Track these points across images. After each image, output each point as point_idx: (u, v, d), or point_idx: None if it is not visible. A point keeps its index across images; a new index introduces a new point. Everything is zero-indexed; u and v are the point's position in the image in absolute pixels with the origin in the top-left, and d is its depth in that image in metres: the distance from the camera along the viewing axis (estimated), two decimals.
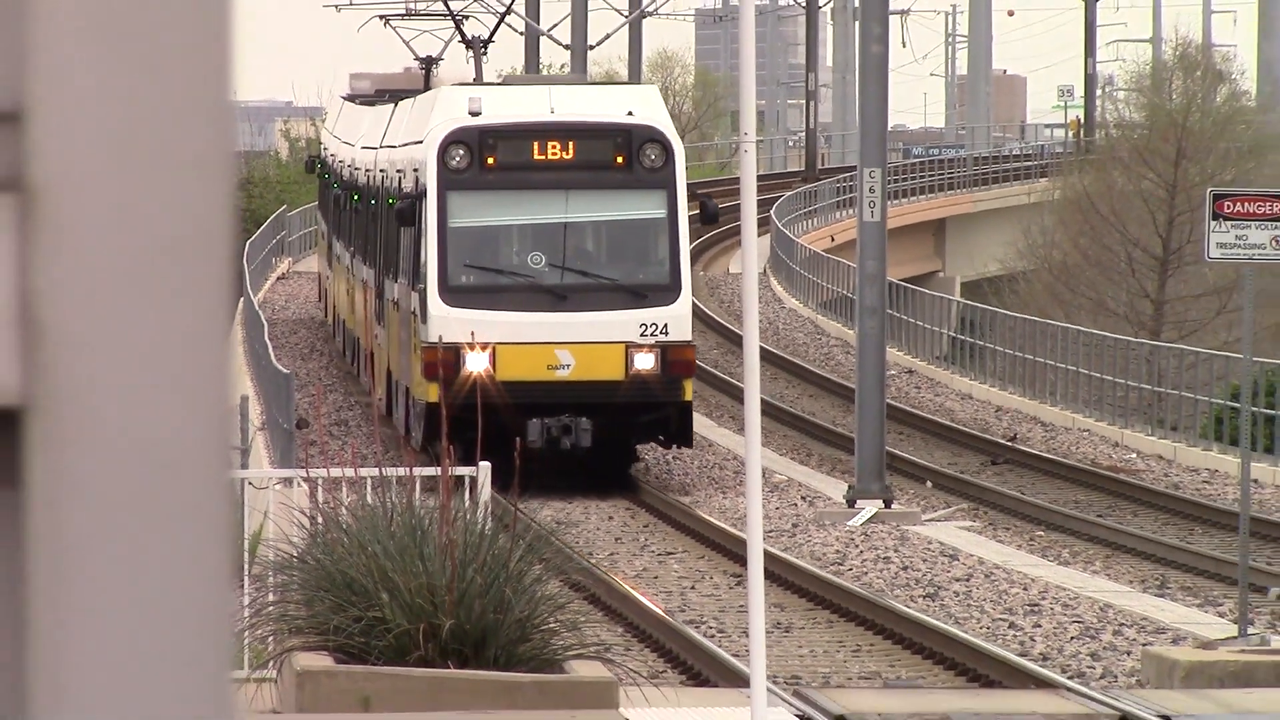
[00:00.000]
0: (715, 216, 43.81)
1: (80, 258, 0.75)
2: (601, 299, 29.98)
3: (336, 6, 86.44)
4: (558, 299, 29.69)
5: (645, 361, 29.82)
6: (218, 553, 0.83)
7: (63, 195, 0.76)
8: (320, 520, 21.62)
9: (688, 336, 30.00)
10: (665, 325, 29.69)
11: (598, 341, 29.44)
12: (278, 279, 69.77)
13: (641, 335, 29.73)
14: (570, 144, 30.14)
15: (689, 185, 33.04)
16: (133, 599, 0.70)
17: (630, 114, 31.23)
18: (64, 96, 0.82)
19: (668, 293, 29.92)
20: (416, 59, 51.74)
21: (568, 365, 29.44)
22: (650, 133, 30.65)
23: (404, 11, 52.98)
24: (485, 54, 48.54)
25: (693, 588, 30.33)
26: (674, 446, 33.56)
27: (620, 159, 29.99)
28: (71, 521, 0.81)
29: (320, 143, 67.14)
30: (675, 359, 29.57)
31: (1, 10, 0.77)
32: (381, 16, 49.12)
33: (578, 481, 30.51)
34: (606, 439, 31.15)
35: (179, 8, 0.78)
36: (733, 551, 28.98)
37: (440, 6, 47.98)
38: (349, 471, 22.71)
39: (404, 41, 49.71)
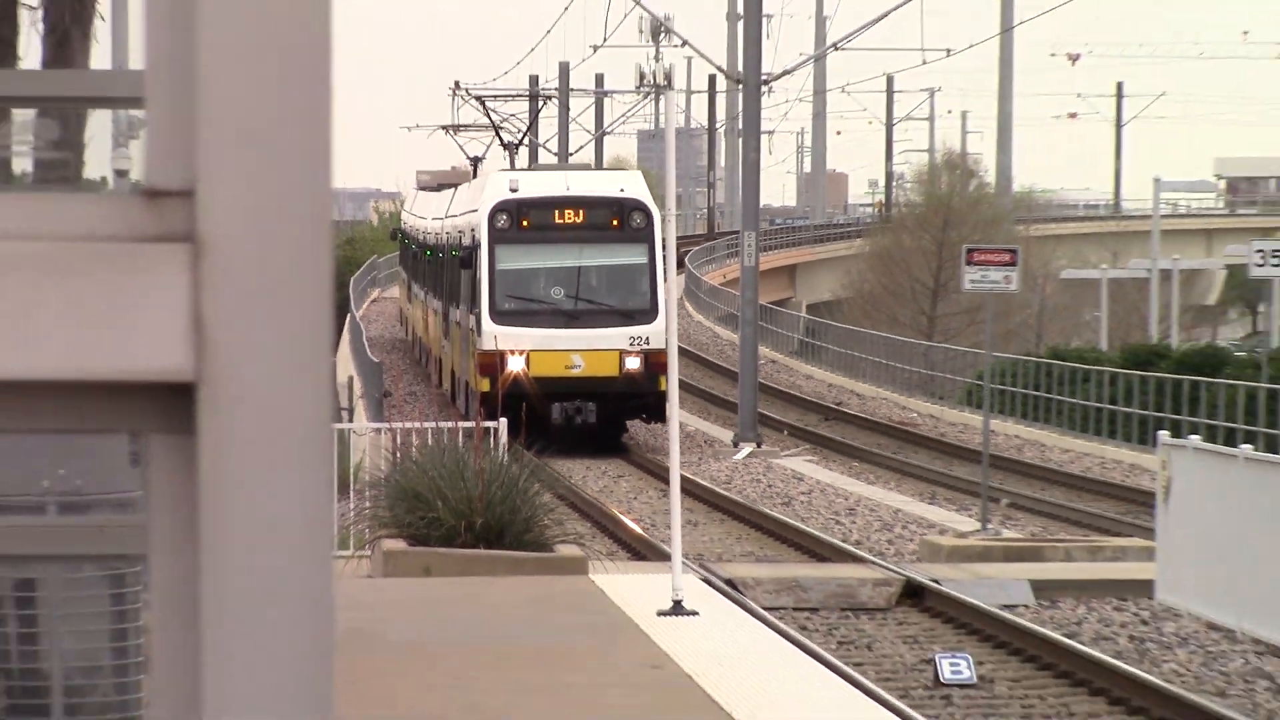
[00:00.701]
0: (680, 265, 38.91)
1: (231, 285, 0.78)
2: (602, 319, 30.00)
3: (409, 128, 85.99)
4: (572, 319, 29.77)
5: (633, 363, 29.87)
6: (324, 476, 0.87)
7: (219, 245, 0.78)
8: (398, 455, 21.90)
9: (662, 345, 29.13)
10: (647, 338, 29.88)
11: (600, 349, 29.62)
12: (371, 302, 69.90)
13: (630, 345, 29.88)
14: (580, 211, 30.06)
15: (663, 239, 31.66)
16: (270, 508, 0.76)
17: (622, 190, 30.28)
18: (220, 177, 0.88)
19: (649, 315, 30.01)
20: (467, 158, 51.97)
21: (579, 365, 29.52)
22: (635, 203, 30.51)
23: (457, 125, 52.29)
24: (516, 152, 48.84)
25: (635, 499, 30.04)
26: (651, 422, 33.20)
27: (615, 222, 29.95)
28: (228, 457, 0.84)
29: (400, 218, 65.75)
30: (654, 361, 28.93)
31: (180, 119, 0.83)
32: (443, 127, 49.44)
33: (586, 448, 30.14)
34: (605, 417, 31.04)
35: (296, 120, 0.82)
36: (663, 476, 28.76)
37: (484, 120, 47.92)
38: (418, 425, 22.94)
39: (459, 146, 50.23)
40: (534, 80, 67.36)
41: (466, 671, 12.48)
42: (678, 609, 15.49)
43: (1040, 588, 21.97)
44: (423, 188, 55.37)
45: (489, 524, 19.45)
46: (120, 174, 20.42)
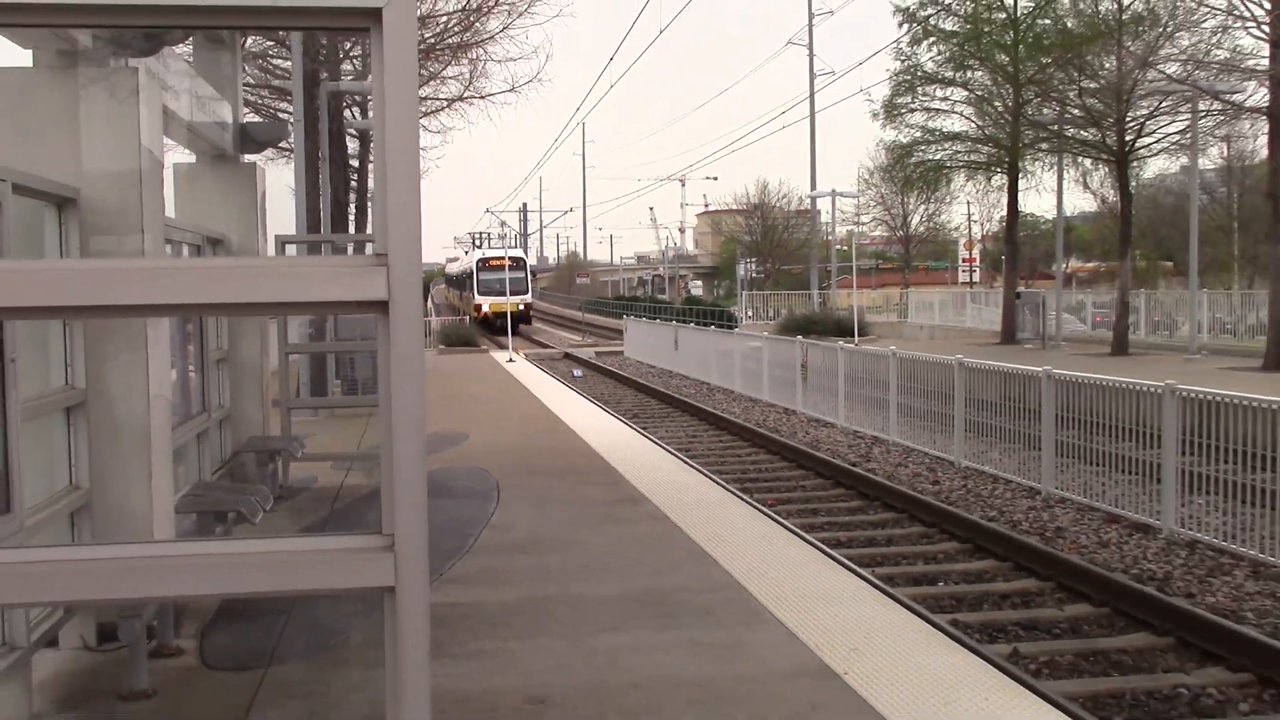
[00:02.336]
0: (535, 274, 76.82)
1: (395, 280, 1.85)
2: (513, 293, 52.03)
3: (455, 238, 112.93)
4: (505, 294, 49.48)
5: (522, 306, 56.95)
6: (420, 347, 1.92)
7: (394, 265, 1.88)
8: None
9: (530, 302, 60.90)
10: (526, 300, 59.05)
11: (514, 303, 52.01)
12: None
13: (520, 301, 56.36)
14: (505, 261, 55.51)
15: (532, 269, 67.87)
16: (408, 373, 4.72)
17: (519, 253, 69.39)
18: (396, 248, 1.90)
19: (527, 293, 60.55)
20: (473, 244, 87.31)
21: (508, 308, 48.06)
22: (520, 257, 67.62)
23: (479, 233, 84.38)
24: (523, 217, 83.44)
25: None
26: (527, 325, 59.28)
27: (515, 264, 59.71)
28: (402, 333, 1.89)
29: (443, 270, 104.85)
30: (528, 308, 59.13)
31: (379, 208, 1.93)
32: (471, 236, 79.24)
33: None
34: (514, 322, 49.60)
35: (410, 228, 1.94)
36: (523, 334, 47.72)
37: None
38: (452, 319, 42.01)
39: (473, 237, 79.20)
40: (524, 206, 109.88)
41: (451, 377, 29.97)
42: (510, 361, 34.57)
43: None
44: (449, 260, 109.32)
45: (467, 340, 43.18)
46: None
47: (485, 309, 61.40)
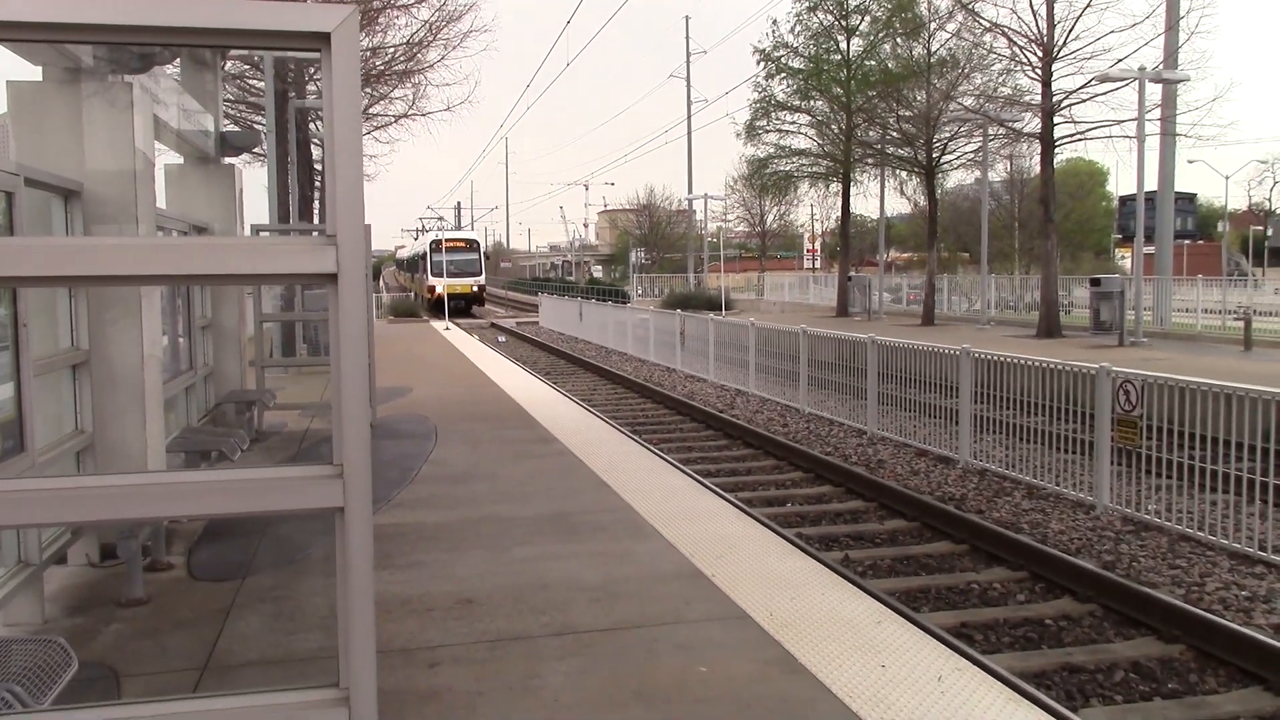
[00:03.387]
0: (488, 256, 65.67)
1: (342, 254, 1.80)
2: (466, 275, 48.50)
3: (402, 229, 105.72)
4: (458, 276, 46.42)
5: (475, 288, 49.77)
6: (363, 312, 1.89)
7: (341, 244, 1.81)
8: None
9: (484, 284, 51.15)
10: (479, 282, 50.28)
11: (467, 284, 47.98)
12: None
13: (473, 283, 49.55)
14: (459, 243, 50.89)
15: (485, 251, 57.32)
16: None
17: (474, 235, 57.52)
18: (344, 230, 1.84)
19: (479, 275, 50.55)
20: (420, 230, 71.74)
21: (463, 289, 46.59)
22: (474, 239, 55.10)
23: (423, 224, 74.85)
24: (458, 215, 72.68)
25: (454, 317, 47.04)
26: (480, 306, 52.54)
27: (468, 246, 51.54)
28: (348, 300, 1.86)
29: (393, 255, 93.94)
30: (480, 289, 50.54)
31: (329, 196, 4.31)
32: (429, 207, 70.87)
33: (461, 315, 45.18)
34: (468, 305, 48.61)
35: (356, 219, 1.86)
36: (468, 314, 47.35)
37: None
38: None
39: (420, 223, 70.77)
40: (458, 205, 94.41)
41: (397, 341, 29.76)
42: (447, 330, 33.88)
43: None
44: (398, 248, 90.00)
45: (411, 312, 40.77)
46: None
47: (439, 290, 49.25)
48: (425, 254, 53.06)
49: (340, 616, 2.08)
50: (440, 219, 70.67)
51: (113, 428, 6.04)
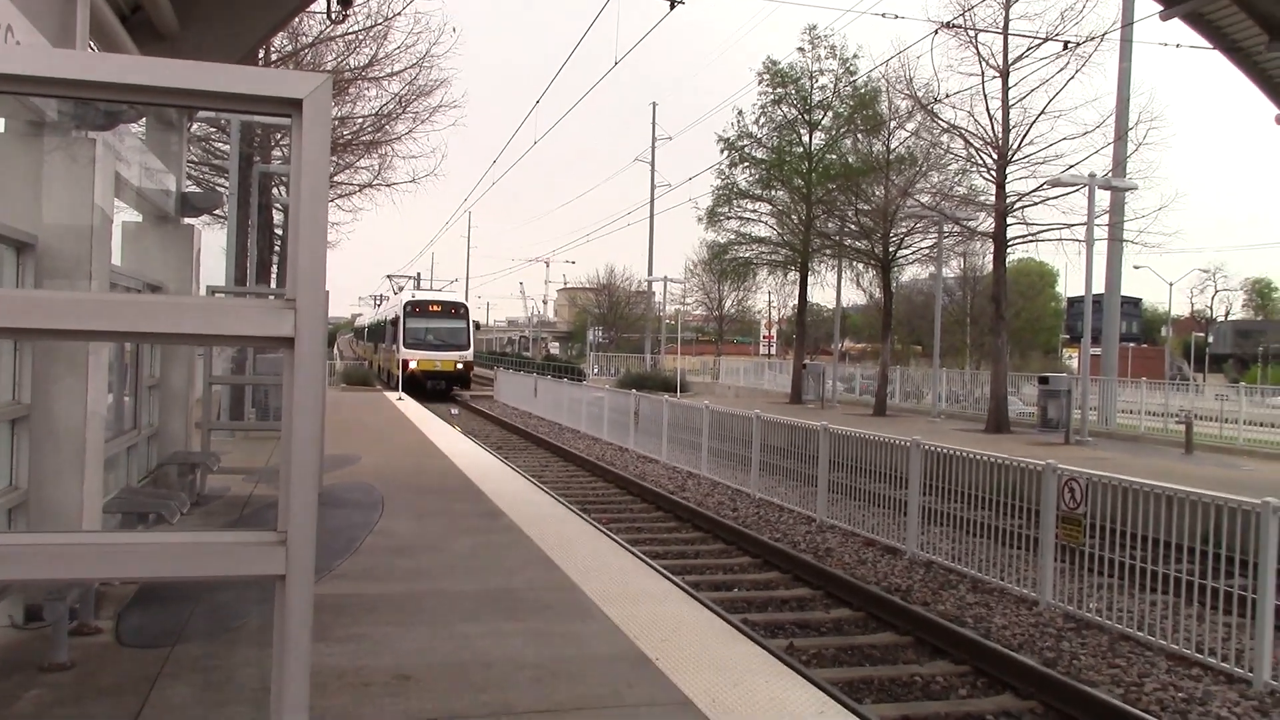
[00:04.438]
0: (479, 326, 50.93)
1: (301, 319, 1.77)
2: (450, 348, 40.97)
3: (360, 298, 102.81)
4: (439, 349, 40.50)
5: (460, 366, 41.19)
6: (319, 378, 1.92)
7: (301, 309, 1.77)
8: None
9: (470, 360, 41.75)
10: (465, 358, 41.40)
11: (449, 360, 40.49)
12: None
13: (459, 359, 41.10)
14: (440, 306, 42.93)
15: (475, 321, 45.74)
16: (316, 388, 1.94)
17: (461, 298, 46.88)
18: (303, 294, 1.81)
19: (467, 349, 41.70)
20: (393, 290, 59.61)
21: (445, 366, 40.31)
22: (460, 303, 44.50)
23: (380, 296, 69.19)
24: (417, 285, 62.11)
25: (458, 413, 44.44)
26: (465, 389, 42.92)
27: (454, 311, 42.90)
28: (304, 364, 1.87)
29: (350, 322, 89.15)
30: (467, 367, 41.34)
31: (290, 260, 1.87)
32: (388, 276, 62.43)
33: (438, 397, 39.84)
34: (449, 387, 41.10)
35: (316, 287, 1.85)
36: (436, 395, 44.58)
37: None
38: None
39: (391, 283, 61.40)
40: (418, 275, 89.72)
41: (349, 409, 29.45)
42: (400, 399, 33.62)
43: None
44: (355, 316, 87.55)
45: (364, 380, 40.05)
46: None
47: (413, 365, 40.12)
48: (397, 318, 42.70)
49: (274, 688, 2.02)
50: (399, 290, 60.36)
51: (50, 485, 5.89)
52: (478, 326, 48.37)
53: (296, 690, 2.01)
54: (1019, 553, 10.97)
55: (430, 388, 39.43)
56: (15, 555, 1.94)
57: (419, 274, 71.43)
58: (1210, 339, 78.24)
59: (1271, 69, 17.08)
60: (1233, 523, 8.61)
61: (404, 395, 31.91)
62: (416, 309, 41.87)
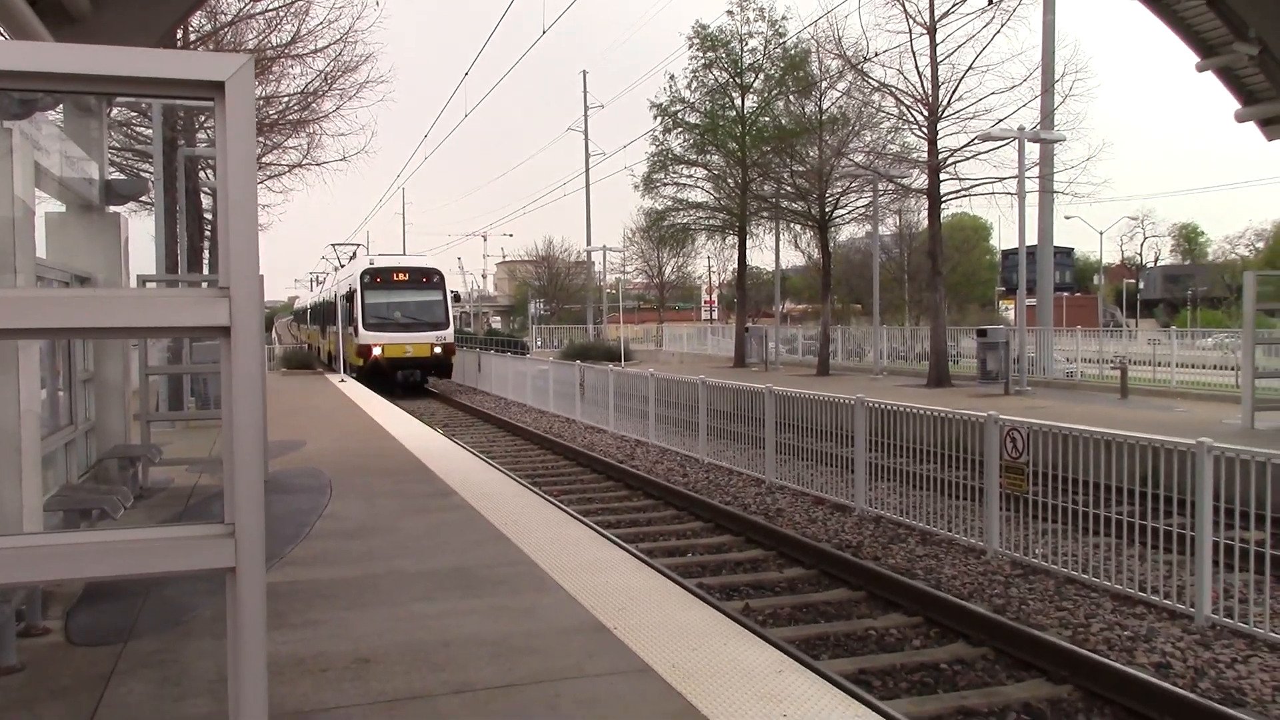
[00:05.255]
0: (459, 299, 45.78)
1: (236, 306, 1.74)
2: (424, 327, 32.53)
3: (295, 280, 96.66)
4: (409, 329, 32.39)
5: (437, 350, 32.64)
6: (258, 366, 1.86)
7: (234, 297, 1.75)
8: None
9: (451, 342, 33.10)
10: (444, 339, 32.64)
11: (424, 342, 32.27)
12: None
13: (436, 341, 32.52)
14: (408, 273, 33.51)
15: (454, 293, 37.23)
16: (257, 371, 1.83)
17: (429, 263, 34.72)
18: (237, 282, 1.79)
19: (445, 327, 32.90)
20: (337, 263, 49.76)
21: (418, 351, 32.25)
22: (434, 270, 34.01)
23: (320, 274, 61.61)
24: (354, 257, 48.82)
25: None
26: (445, 378, 35.60)
27: (426, 279, 33.52)
28: (241, 354, 1.85)
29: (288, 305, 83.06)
30: (447, 350, 32.73)
31: (222, 248, 1.84)
32: (332, 244, 53.69)
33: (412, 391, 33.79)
34: (423, 377, 34.03)
35: (250, 268, 1.79)
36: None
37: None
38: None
39: (337, 258, 49.58)
40: (354, 252, 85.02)
41: (291, 394, 28.99)
42: (343, 381, 33.15)
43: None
44: (293, 299, 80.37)
45: (305, 364, 35.97)
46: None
47: (377, 353, 32.14)
48: (353, 293, 33.58)
49: (231, 681, 2.00)
50: (339, 266, 49.63)
51: None
52: (457, 298, 40.50)
53: (254, 681, 1.99)
54: (965, 504, 11.18)
55: (402, 379, 32.56)
56: None
57: (355, 251, 62.85)
58: (1141, 285, 79.99)
59: (1190, 17, 17.37)
60: (1169, 464, 8.85)
61: (346, 377, 31.48)
62: (378, 279, 33.12)
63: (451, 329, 33.46)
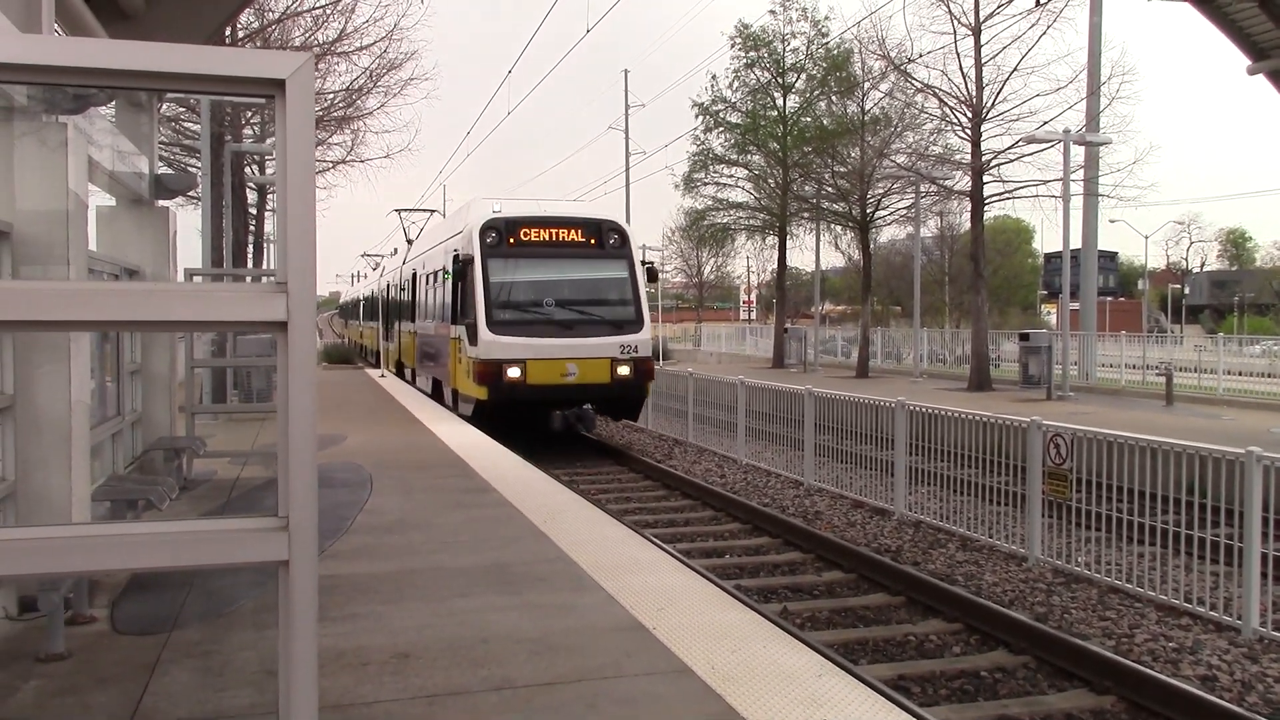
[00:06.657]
0: (655, 277, 28.23)
1: (293, 300, 1.75)
2: (599, 329, 19.17)
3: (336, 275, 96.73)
4: (572, 333, 18.92)
5: (623, 369, 19.02)
6: (313, 361, 1.86)
7: (292, 292, 1.75)
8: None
9: (649, 354, 19.58)
10: (636, 346, 19.19)
11: (598, 355, 18.74)
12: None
13: (623, 350, 19.04)
14: (569, 227, 19.72)
15: (648, 266, 21.35)
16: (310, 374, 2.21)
17: (599, 213, 20.84)
18: (294, 278, 1.80)
19: (638, 327, 19.38)
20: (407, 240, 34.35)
21: (580, 372, 18.68)
22: (612, 224, 20.16)
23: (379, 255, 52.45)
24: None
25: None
26: (631, 419, 21.14)
27: (597, 240, 19.75)
28: (298, 348, 1.84)
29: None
30: (643, 368, 19.12)
31: (280, 244, 3.40)
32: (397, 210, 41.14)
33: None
34: (616, 411, 20.46)
35: (307, 268, 1.82)
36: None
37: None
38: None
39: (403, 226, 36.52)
40: (395, 249, 79.02)
41: (332, 388, 28.40)
42: (383, 376, 33.28)
43: None
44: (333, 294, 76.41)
45: (346, 359, 35.66)
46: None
47: (514, 374, 17.91)
48: (463, 263, 19.40)
49: (281, 673, 2.01)
50: (378, 265, 41.17)
51: (37, 475, 5.84)
52: (652, 275, 22.72)
53: (304, 673, 2.00)
54: (1006, 510, 11.05)
55: (560, 426, 18.61)
56: (7, 550, 1.93)
57: (395, 249, 40.63)
58: (1186, 290, 78.78)
59: (1241, 19, 17.09)
60: (1217, 473, 8.69)
61: (386, 372, 31.69)
62: (510, 238, 19.54)
63: (649, 329, 19.97)
